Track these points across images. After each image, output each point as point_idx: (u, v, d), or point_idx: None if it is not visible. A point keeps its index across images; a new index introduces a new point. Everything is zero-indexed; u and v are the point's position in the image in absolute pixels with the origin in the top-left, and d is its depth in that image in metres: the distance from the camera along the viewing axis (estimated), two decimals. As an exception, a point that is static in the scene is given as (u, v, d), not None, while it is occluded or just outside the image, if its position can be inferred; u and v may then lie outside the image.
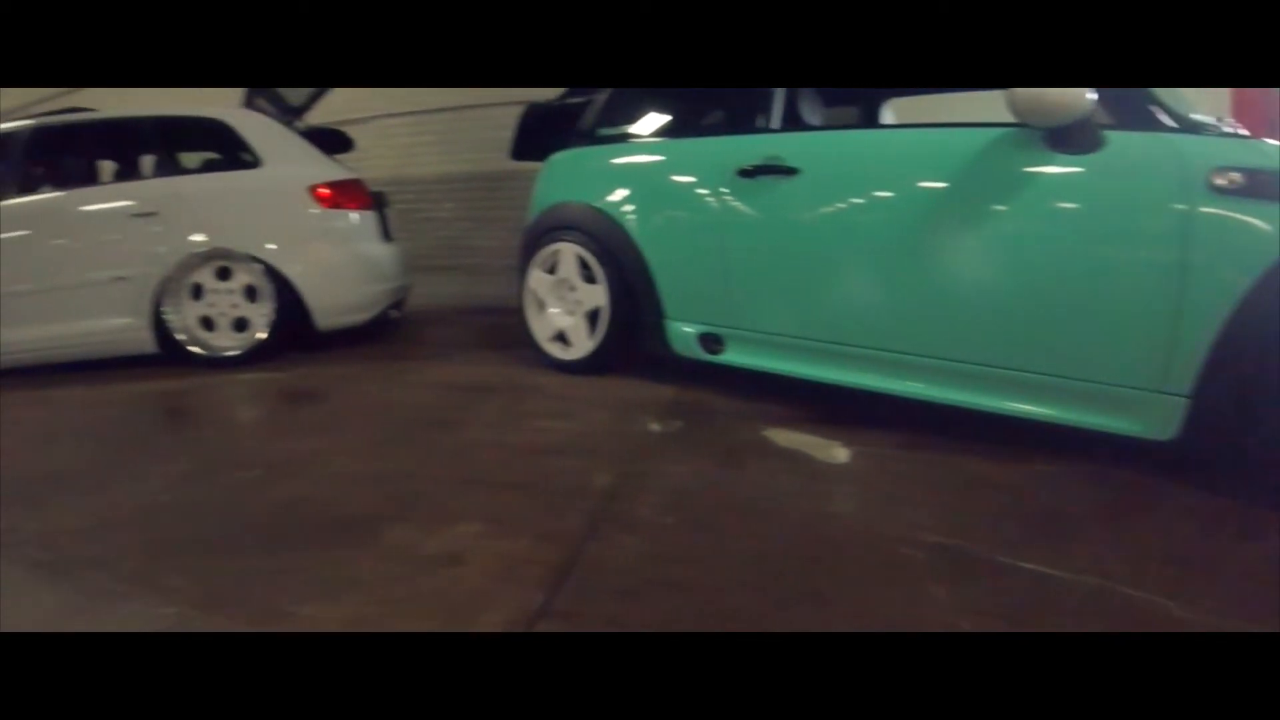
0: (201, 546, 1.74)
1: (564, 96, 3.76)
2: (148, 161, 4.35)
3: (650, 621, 1.36)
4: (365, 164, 4.71)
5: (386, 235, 4.15)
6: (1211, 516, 1.78)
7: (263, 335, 3.72)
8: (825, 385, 2.51)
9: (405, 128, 6.60)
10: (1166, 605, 1.38)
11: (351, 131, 4.59)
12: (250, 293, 3.70)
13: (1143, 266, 1.89)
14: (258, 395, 3.25)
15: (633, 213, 2.97)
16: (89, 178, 4.45)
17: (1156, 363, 1.88)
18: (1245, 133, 2.14)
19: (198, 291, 3.69)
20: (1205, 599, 1.40)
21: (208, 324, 3.73)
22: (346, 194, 3.87)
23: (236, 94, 4.17)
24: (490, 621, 1.37)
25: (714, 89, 3.13)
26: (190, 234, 3.64)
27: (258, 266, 3.66)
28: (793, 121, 2.67)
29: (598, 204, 3.08)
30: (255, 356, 3.72)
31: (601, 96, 3.35)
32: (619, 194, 3.03)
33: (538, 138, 3.73)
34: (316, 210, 3.75)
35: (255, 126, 3.96)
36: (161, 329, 3.69)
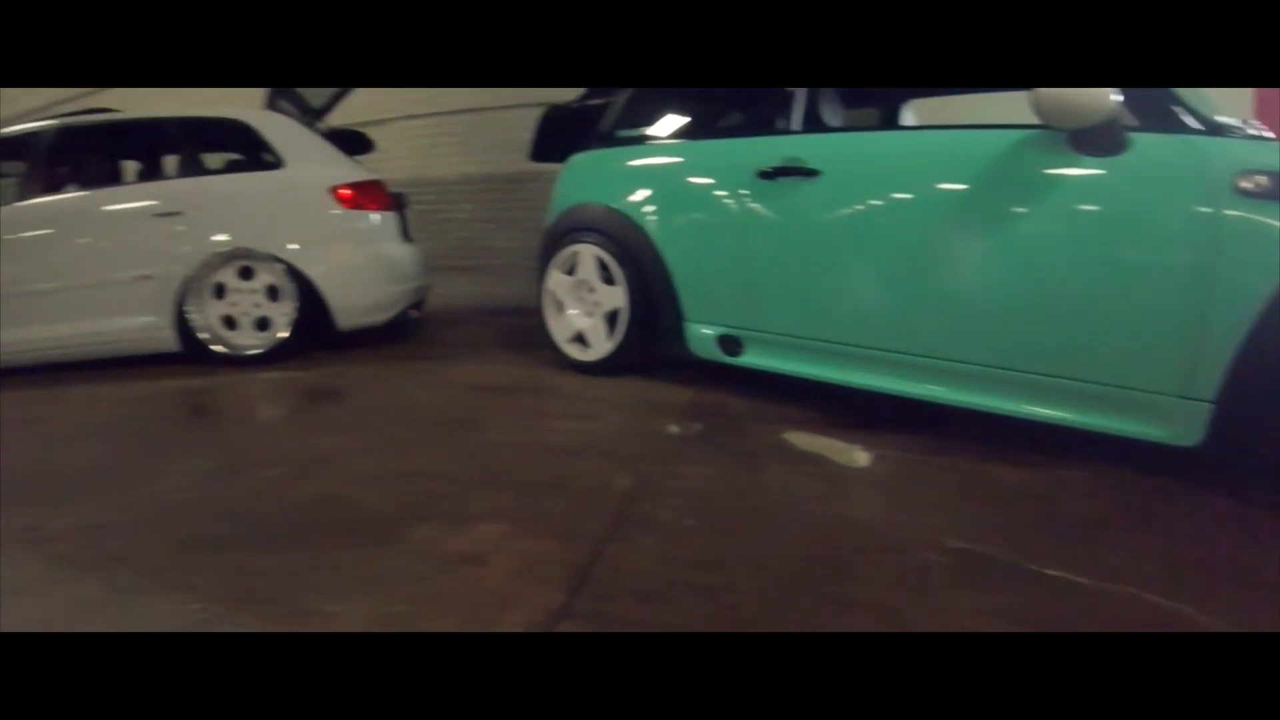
0: (226, 543, 1.76)
1: (583, 98, 3.77)
2: (171, 162, 4.40)
3: (671, 624, 1.36)
4: (385, 165, 4.74)
5: (406, 236, 4.18)
6: (1237, 523, 1.76)
7: (284, 334, 3.76)
8: (845, 388, 2.51)
9: (425, 129, 6.64)
10: (1192, 612, 1.37)
11: (372, 133, 4.64)
12: (272, 292, 3.74)
13: (1167, 270, 1.88)
14: (279, 394, 3.28)
15: (652, 214, 2.97)
16: (113, 178, 4.51)
17: (1181, 367, 1.86)
18: (1270, 135, 2.12)
19: (220, 291, 3.73)
20: (1231, 606, 1.39)
21: (230, 323, 3.76)
22: (368, 195, 3.89)
23: (259, 96, 4.21)
24: (512, 621, 1.37)
25: (733, 90, 3.13)
26: (213, 234, 3.68)
27: (280, 266, 3.70)
28: (813, 123, 2.66)
29: (617, 205, 3.08)
30: (277, 355, 3.75)
31: (621, 98, 3.36)
32: (638, 195, 3.03)
33: (557, 139, 3.75)
34: (338, 211, 3.78)
35: (277, 128, 3.99)
36: (184, 328, 3.73)
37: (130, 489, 2.12)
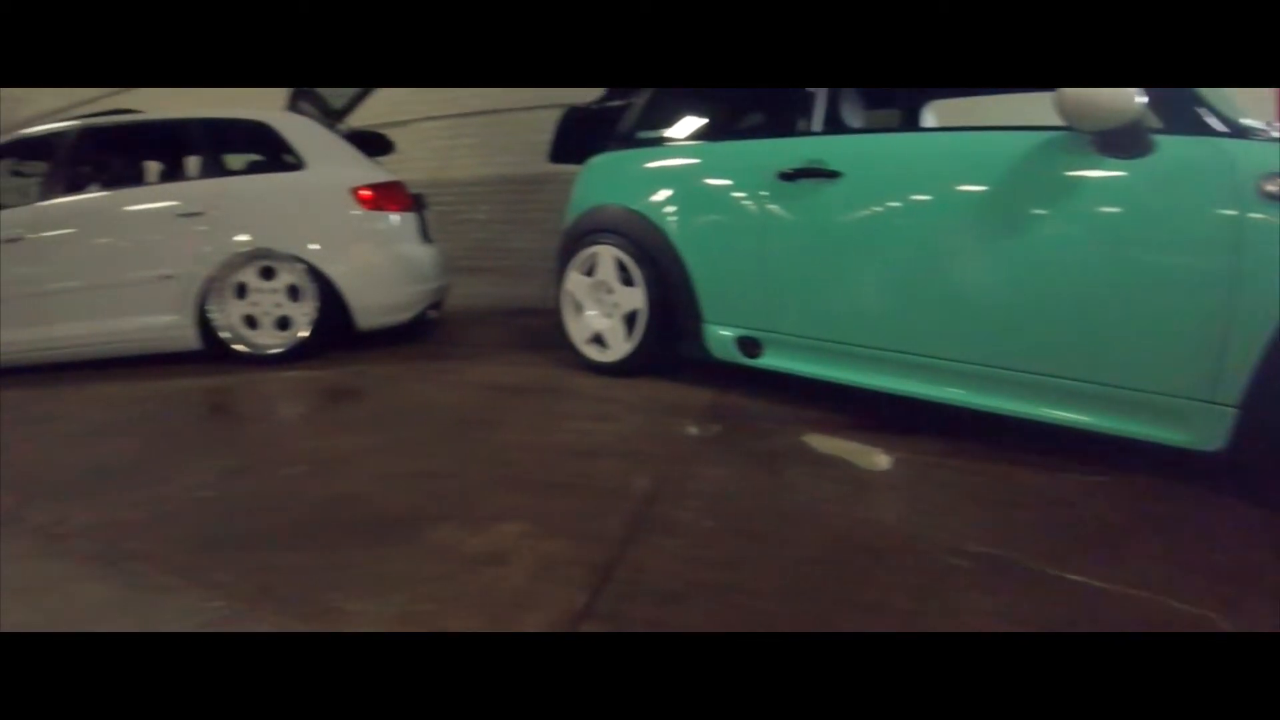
0: (247, 541, 1.77)
1: (603, 100, 3.78)
2: (193, 163, 4.45)
3: (692, 625, 1.36)
4: (404, 166, 4.77)
5: (426, 237, 4.20)
6: (1261, 529, 1.74)
7: (305, 334, 3.79)
8: (864, 391, 2.49)
9: (443, 131, 6.66)
10: (1215, 618, 1.35)
11: (391, 134, 4.66)
12: (293, 292, 3.77)
13: (1192, 274, 1.85)
14: (300, 393, 3.30)
15: (672, 215, 2.97)
16: (135, 178, 4.56)
17: (1205, 372, 1.84)
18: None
19: (242, 290, 3.77)
20: (1254, 613, 1.37)
21: (251, 322, 3.80)
22: (388, 196, 3.92)
23: (280, 97, 4.24)
24: (534, 621, 1.38)
25: (754, 91, 3.13)
26: (235, 234, 3.72)
27: (300, 266, 3.73)
28: (834, 124, 2.66)
29: (636, 207, 3.09)
30: (297, 355, 3.79)
31: (640, 100, 3.36)
32: (658, 197, 3.03)
33: (576, 140, 3.76)
34: (358, 212, 3.81)
35: (298, 129, 4.03)
36: (206, 327, 3.77)
37: (152, 486, 2.14)
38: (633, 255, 3.06)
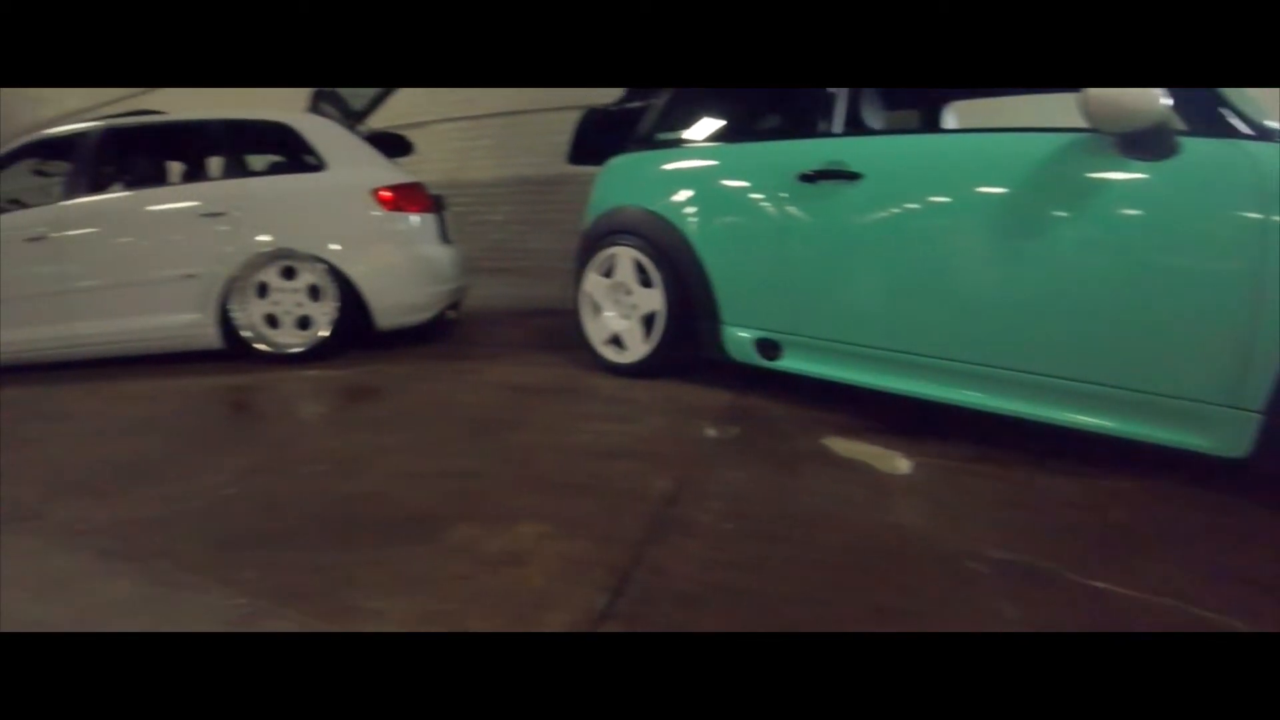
0: (270, 539, 1.78)
1: (622, 101, 3.78)
2: (215, 163, 4.50)
3: (714, 629, 1.36)
4: (423, 168, 4.80)
5: (445, 238, 4.22)
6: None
7: (325, 333, 3.82)
8: (884, 394, 2.48)
9: (461, 132, 6.70)
10: (1240, 626, 1.34)
11: (410, 136, 4.68)
12: (314, 292, 3.80)
13: (1216, 277, 1.83)
14: (321, 391, 3.32)
15: (691, 217, 2.97)
16: (158, 178, 4.61)
17: (1229, 377, 1.82)
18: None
19: (263, 290, 3.80)
20: (1278, 620, 1.36)
21: (272, 321, 3.84)
22: (408, 197, 3.94)
23: (301, 99, 4.27)
24: (555, 622, 1.38)
25: (773, 92, 3.12)
26: (257, 234, 3.75)
27: (321, 266, 3.76)
28: (855, 125, 2.64)
29: (655, 208, 3.09)
30: (317, 354, 3.82)
31: (660, 101, 3.36)
32: (677, 198, 3.03)
33: (595, 142, 3.77)
34: (378, 212, 3.83)
35: (319, 130, 4.05)
36: (228, 325, 3.81)
37: (175, 483, 2.16)
38: (651, 256, 3.06)
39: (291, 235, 3.76)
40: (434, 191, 4.22)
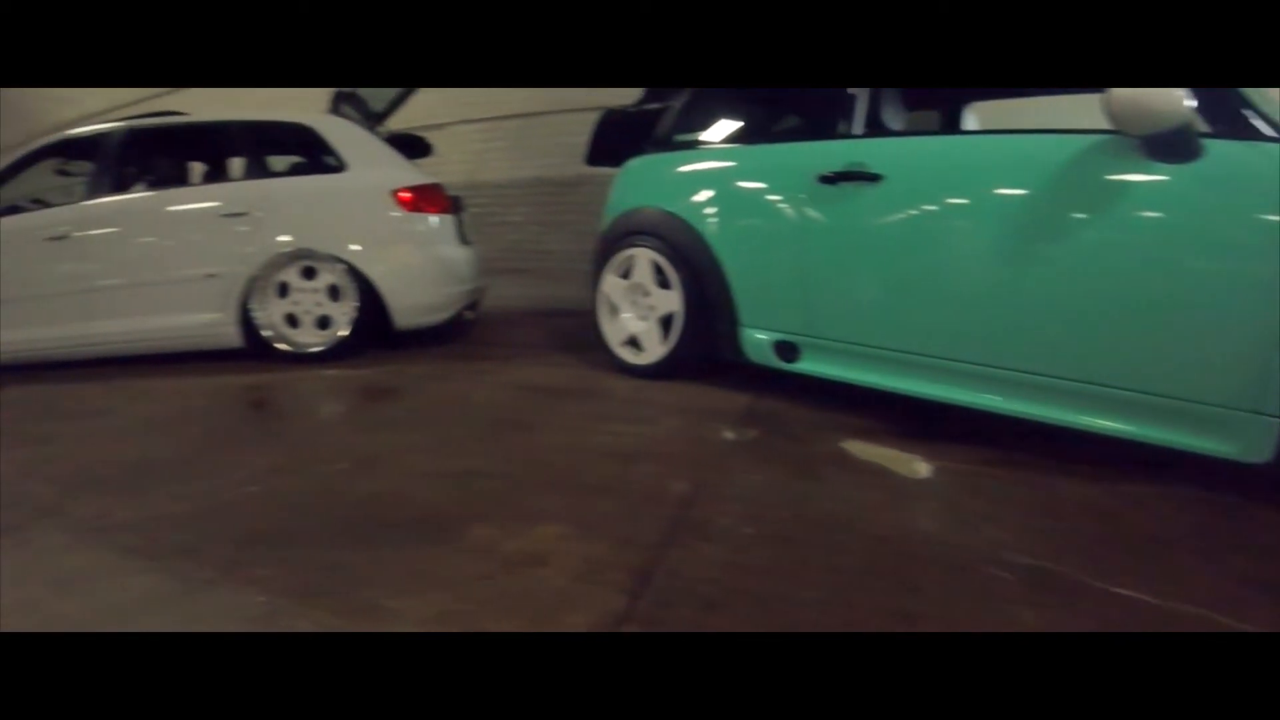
0: (290, 537, 1.79)
1: (640, 102, 3.78)
2: (236, 164, 4.54)
3: (732, 631, 1.36)
4: (441, 169, 4.82)
5: (464, 238, 4.24)
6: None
7: (344, 333, 3.85)
8: (904, 397, 2.47)
9: (479, 134, 6.73)
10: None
11: (429, 137, 4.71)
12: (333, 292, 3.83)
13: (1239, 281, 1.81)
14: (340, 391, 3.34)
15: (709, 218, 2.96)
16: (180, 178, 4.66)
17: (1251, 382, 1.80)
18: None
19: (283, 290, 3.84)
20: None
21: (292, 321, 3.87)
22: (427, 198, 3.96)
23: (322, 100, 4.31)
24: (574, 623, 1.38)
25: (793, 93, 3.11)
26: (277, 235, 3.78)
27: (341, 267, 3.78)
28: (875, 127, 2.63)
29: (674, 209, 3.08)
30: (337, 353, 3.85)
31: (678, 102, 3.36)
32: (695, 199, 3.03)
33: (613, 143, 3.77)
34: (398, 213, 3.85)
35: (340, 131, 4.08)
36: (248, 325, 3.84)
37: (195, 481, 2.17)
38: (669, 258, 3.06)
39: (312, 235, 3.79)
40: (452, 192, 4.24)
